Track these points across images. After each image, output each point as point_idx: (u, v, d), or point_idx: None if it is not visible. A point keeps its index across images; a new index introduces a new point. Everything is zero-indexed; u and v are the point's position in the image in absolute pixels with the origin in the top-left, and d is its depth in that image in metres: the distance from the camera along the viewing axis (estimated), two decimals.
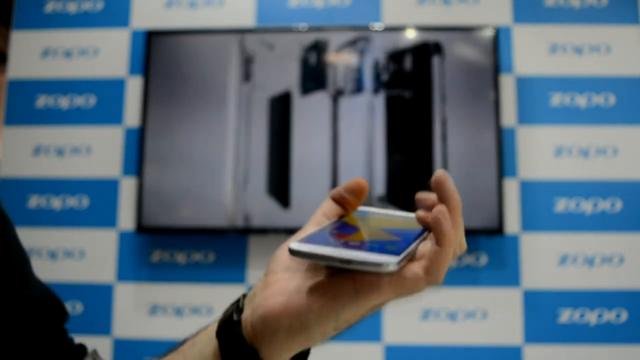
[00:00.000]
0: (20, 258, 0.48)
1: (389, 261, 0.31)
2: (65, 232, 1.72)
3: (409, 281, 0.33)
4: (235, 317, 0.38)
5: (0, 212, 0.47)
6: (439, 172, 0.35)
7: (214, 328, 0.40)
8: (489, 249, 1.66)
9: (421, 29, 1.69)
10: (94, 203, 1.74)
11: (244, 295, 0.40)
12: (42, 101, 1.79)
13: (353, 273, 0.34)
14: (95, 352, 0.50)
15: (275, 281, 0.37)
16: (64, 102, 1.79)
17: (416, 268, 0.33)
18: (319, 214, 0.41)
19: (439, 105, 1.64)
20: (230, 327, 0.38)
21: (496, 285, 1.65)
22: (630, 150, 1.68)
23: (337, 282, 0.34)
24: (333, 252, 0.33)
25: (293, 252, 0.34)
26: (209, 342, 0.40)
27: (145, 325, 1.68)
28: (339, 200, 0.41)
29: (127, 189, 1.73)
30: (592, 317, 1.61)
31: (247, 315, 0.37)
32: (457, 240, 0.34)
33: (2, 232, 0.46)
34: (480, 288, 1.65)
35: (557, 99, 1.72)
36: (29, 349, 0.45)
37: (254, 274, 1.67)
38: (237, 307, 0.38)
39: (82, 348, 0.50)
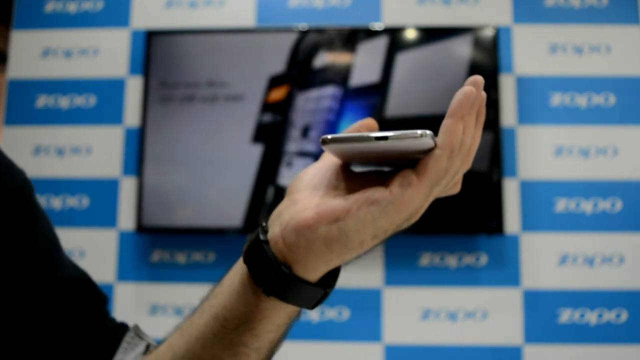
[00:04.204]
0: (54, 243, 0.51)
1: (425, 131, 0.31)
2: (65, 232, 1.72)
3: (432, 165, 0.33)
4: (262, 237, 0.36)
5: (28, 202, 0.49)
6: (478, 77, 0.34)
7: (240, 262, 0.39)
8: (489, 249, 1.66)
9: (421, 29, 1.69)
10: (94, 203, 1.74)
11: (266, 220, 0.39)
12: (42, 101, 1.79)
13: (383, 176, 0.35)
14: (137, 327, 0.52)
15: (303, 198, 0.37)
16: (64, 102, 1.79)
17: (434, 152, 0.33)
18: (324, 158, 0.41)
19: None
20: (257, 248, 0.36)
21: (496, 285, 1.65)
22: (630, 150, 1.68)
23: (369, 186, 0.34)
24: (367, 133, 0.32)
25: (328, 140, 0.33)
26: (236, 273, 0.39)
27: (145, 325, 1.66)
28: None
29: (127, 189, 1.73)
30: (592, 317, 1.61)
31: (275, 232, 0.36)
32: (466, 130, 0.34)
33: (34, 221, 0.49)
34: (480, 288, 1.65)
35: (557, 99, 1.72)
36: (74, 326, 0.47)
37: None
38: (262, 228, 0.37)
39: (124, 326, 0.52)
